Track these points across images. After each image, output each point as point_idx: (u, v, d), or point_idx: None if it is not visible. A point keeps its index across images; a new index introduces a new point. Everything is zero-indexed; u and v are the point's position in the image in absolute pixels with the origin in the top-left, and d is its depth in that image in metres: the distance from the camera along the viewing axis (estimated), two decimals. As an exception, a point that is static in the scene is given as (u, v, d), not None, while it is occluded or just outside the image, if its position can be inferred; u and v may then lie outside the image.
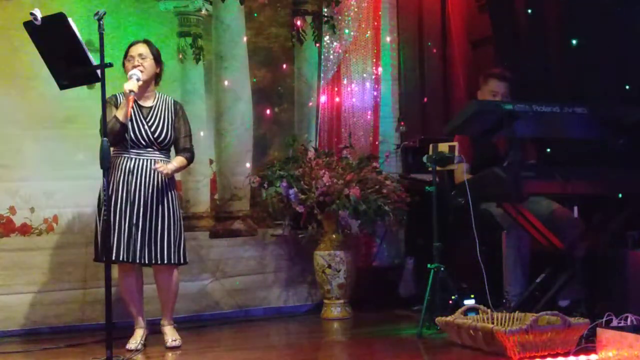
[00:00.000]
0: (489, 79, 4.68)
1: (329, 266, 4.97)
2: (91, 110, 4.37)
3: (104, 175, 3.49)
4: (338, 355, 4.15)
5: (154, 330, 4.17)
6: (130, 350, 3.92)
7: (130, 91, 3.83)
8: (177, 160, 4.11)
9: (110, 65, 3.50)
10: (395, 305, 5.23)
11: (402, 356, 3.81)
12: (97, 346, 3.95)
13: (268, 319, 5.05)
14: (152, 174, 4.02)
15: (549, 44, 4.98)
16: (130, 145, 3.96)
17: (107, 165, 3.51)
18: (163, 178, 4.03)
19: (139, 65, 3.99)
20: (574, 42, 4.72)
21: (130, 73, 3.94)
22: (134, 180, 3.99)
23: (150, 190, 4.01)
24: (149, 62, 4.05)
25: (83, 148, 4.60)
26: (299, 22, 5.46)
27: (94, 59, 3.54)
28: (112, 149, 4.00)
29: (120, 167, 4.00)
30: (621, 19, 4.44)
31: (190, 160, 4.17)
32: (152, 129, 4.04)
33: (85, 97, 4.58)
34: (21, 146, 4.61)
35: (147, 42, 4.13)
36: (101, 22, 3.50)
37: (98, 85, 3.55)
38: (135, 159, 4.01)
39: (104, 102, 3.53)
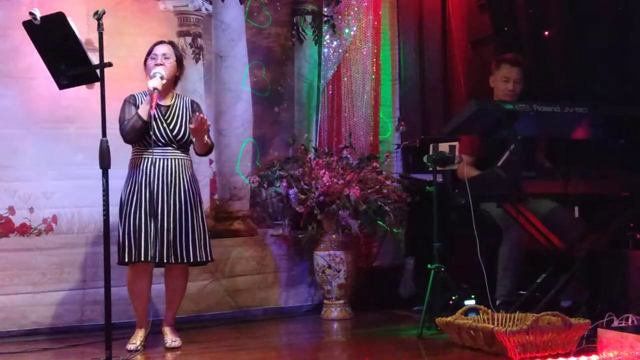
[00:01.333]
0: (501, 64, 4.63)
1: (329, 266, 4.96)
2: (91, 110, 4.36)
3: (103, 176, 3.48)
4: (338, 355, 4.15)
5: (154, 331, 4.17)
6: (130, 351, 3.92)
7: (154, 89, 3.89)
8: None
9: (110, 65, 3.49)
10: (395, 306, 5.23)
11: (403, 357, 3.80)
12: (97, 346, 3.94)
13: (268, 319, 5.04)
14: (174, 174, 4.04)
15: (549, 44, 4.98)
16: (149, 144, 3.98)
17: (107, 165, 3.50)
18: (184, 178, 4.05)
19: (162, 64, 4.03)
20: (575, 41, 4.71)
21: (153, 72, 3.99)
22: (156, 181, 4.00)
23: (173, 190, 4.02)
24: (172, 63, 4.09)
25: (83, 148, 4.59)
26: (299, 22, 5.45)
27: (93, 59, 3.53)
28: (132, 148, 4.07)
29: (141, 168, 4.01)
30: (622, 18, 4.44)
31: (212, 145, 4.18)
32: (171, 127, 4.06)
33: (85, 97, 4.57)
34: (20, 146, 4.59)
35: (172, 43, 4.20)
36: (100, 22, 3.50)
37: (98, 84, 3.54)
38: (156, 159, 4.02)
39: (104, 102, 3.52)
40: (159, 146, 4.02)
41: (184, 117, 4.12)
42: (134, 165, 4.06)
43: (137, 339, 4.01)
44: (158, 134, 4.02)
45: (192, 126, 3.94)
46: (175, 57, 4.13)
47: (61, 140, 4.67)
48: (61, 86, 3.63)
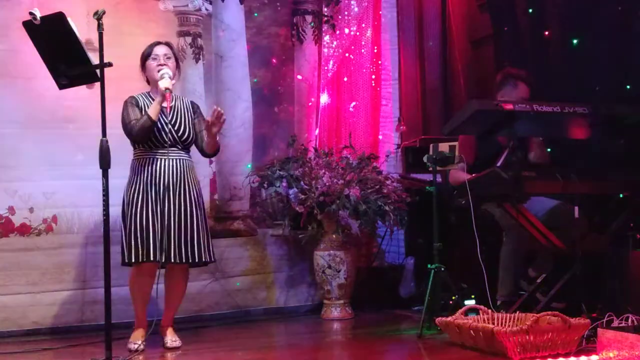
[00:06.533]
0: (518, 83, 4.47)
1: (329, 266, 4.96)
2: (91, 110, 4.35)
3: (103, 176, 3.48)
4: (338, 355, 4.15)
5: (154, 331, 4.16)
6: (130, 351, 3.92)
7: (166, 89, 3.93)
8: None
9: (110, 65, 3.49)
10: (395, 306, 5.23)
11: (403, 356, 3.81)
12: (97, 346, 3.94)
13: (268, 319, 5.05)
14: (179, 175, 4.04)
15: (549, 43, 4.98)
16: (154, 145, 3.99)
17: (107, 165, 3.50)
18: (188, 179, 4.06)
19: (165, 64, 4.05)
20: (575, 41, 4.71)
21: (161, 72, 4.01)
22: (162, 182, 4.00)
23: (179, 191, 4.03)
24: (173, 63, 4.12)
25: (83, 148, 4.59)
26: (299, 22, 5.45)
27: (93, 58, 3.53)
28: (133, 149, 4.07)
29: (147, 169, 4.01)
30: (622, 18, 4.43)
31: (219, 145, 4.24)
32: (176, 128, 4.06)
33: (85, 97, 4.57)
34: (20, 146, 4.60)
35: (169, 44, 4.20)
36: (100, 22, 3.50)
37: (98, 84, 3.54)
38: (161, 159, 4.02)
39: (104, 102, 3.52)
40: (164, 147, 4.02)
41: (186, 117, 4.14)
42: (138, 165, 4.05)
43: (137, 339, 4.01)
44: (164, 135, 4.01)
45: (209, 119, 3.99)
46: (174, 57, 4.16)
47: (61, 140, 4.67)
48: (61, 86, 3.63)
